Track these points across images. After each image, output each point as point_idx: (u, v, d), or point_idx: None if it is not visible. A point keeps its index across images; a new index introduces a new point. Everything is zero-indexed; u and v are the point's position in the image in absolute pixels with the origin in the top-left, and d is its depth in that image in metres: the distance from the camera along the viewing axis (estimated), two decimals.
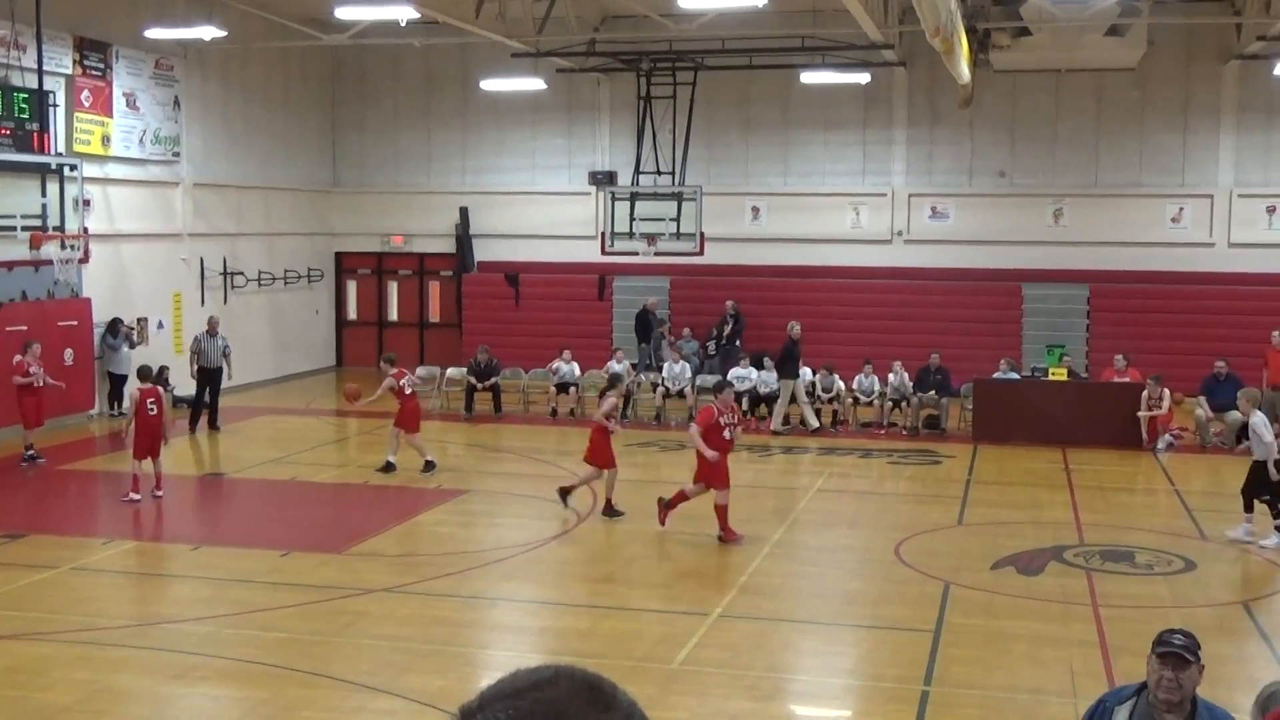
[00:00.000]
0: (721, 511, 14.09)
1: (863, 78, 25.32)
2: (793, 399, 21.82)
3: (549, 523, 15.12)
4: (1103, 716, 5.29)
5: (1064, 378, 21.27)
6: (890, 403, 22.22)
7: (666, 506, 14.40)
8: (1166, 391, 20.69)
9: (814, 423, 21.77)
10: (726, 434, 14.16)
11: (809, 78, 25.32)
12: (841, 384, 22.43)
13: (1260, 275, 25.35)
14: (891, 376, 22.17)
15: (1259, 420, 14.53)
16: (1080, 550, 13.99)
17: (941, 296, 26.36)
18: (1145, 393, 20.48)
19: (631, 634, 11.09)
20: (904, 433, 21.72)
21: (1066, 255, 26.18)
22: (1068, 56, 23.80)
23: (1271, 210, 25.58)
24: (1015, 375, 22.01)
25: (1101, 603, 12.08)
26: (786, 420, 21.85)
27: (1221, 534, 14.65)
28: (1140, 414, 20.38)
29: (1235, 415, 20.61)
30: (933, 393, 21.83)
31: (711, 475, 14.05)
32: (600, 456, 15.15)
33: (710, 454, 13.89)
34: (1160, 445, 20.37)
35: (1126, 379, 21.17)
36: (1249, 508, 14.39)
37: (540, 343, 25.70)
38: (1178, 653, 5.11)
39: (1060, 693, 9.67)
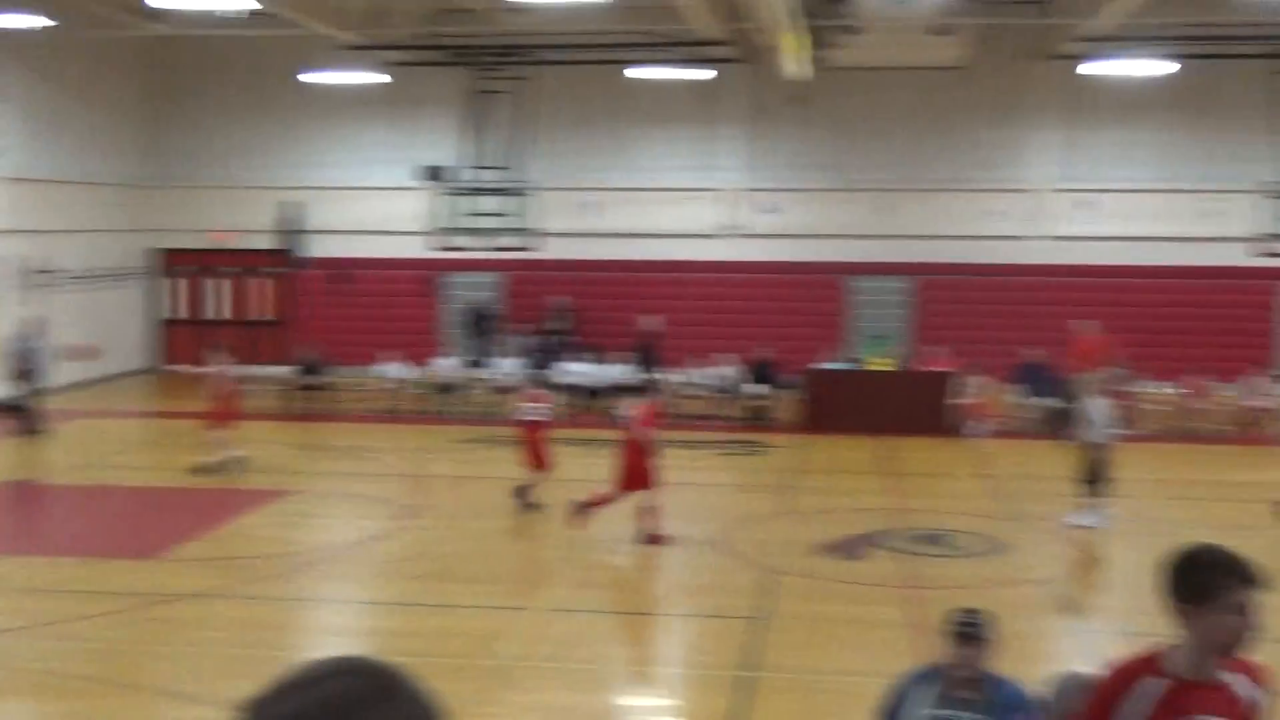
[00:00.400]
0: (653, 514, 13.94)
1: (700, 74, 25.53)
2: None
3: (373, 522, 14.94)
4: (902, 695, 5.44)
5: (888, 367, 21.80)
6: (721, 394, 22.51)
7: (584, 508, 14.07)
8: (983, 379, 21.39)
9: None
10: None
11: (646, 74, 25.43)
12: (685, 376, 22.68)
13: (1072, 267, 26.34)
14: (724, 369, 22.46)
15: (1095, 405, 15.10)
16: (900, 535, 14.35)
17: (773, 290, 26.78)
18: (964, 381, 21.16)
19: (453, 631, 11.01)
20: (733, 424, 22.01)
21: (893, 248, 26.82)
22: (897, 55, 24.34)
23: (1084, 204, 26.57)
24: (843, 365, 22.49)
25: (920, 585, 12.42)
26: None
27: (1056, 517, 15.13)
28: (959, 401, 21.04)
29: (1047, 402, 21.44)
30: (762, 384, 22.17)
31: (643, 477, 13.86)
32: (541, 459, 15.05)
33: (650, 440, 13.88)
34: (977, 431, 21.03)
35: (945, 368, 21.82)
36: (1085, 493, 14.93)
37: (370, 340, 25.35)
38: (969, 633, 5.28)
39: (883, 674, 9.84)
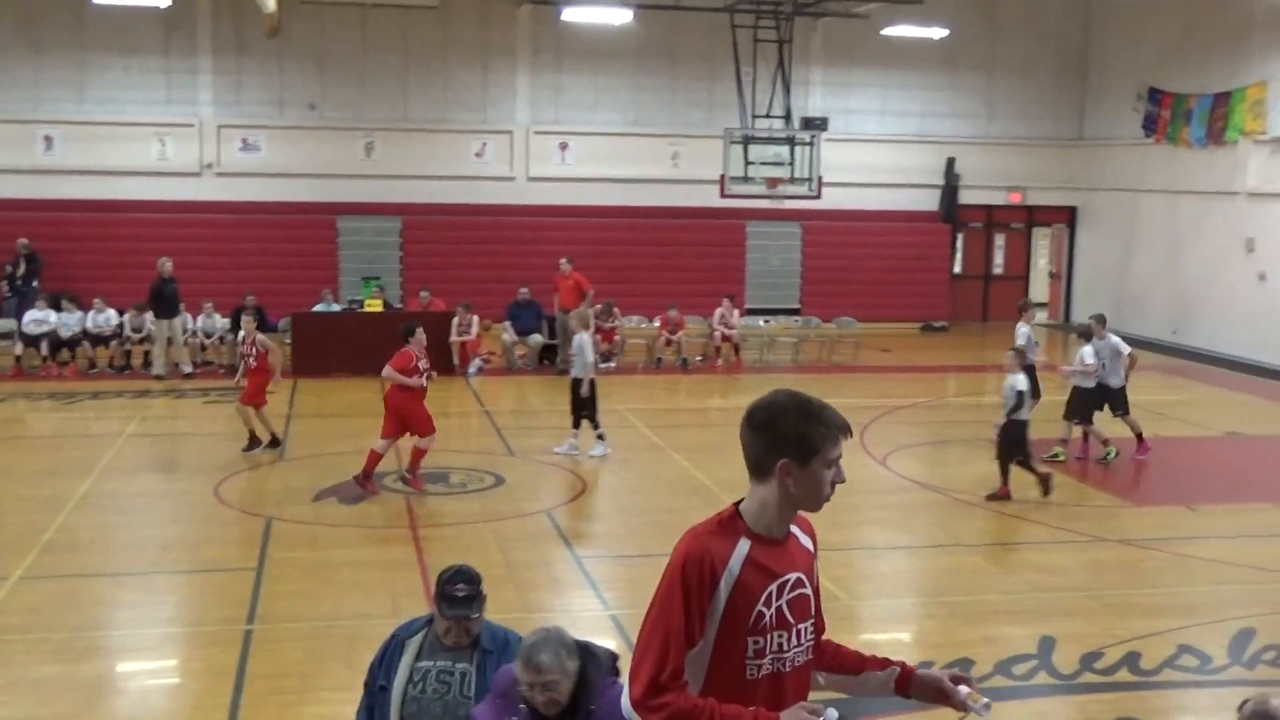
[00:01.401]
0: (420, 455, 13.72)
1: (162, 1, 23.95)
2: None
3: None
4: (395, 650, 5.33)
5: (380, 309, 21.60)
6: (207, 340, 21.50)
7: (366, 477, 13.56)
8: (475, 318, 21.71)
9: (187, 368, 20.70)
10: (425, 379, 13.81)
11: None
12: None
13: (556, 207, 27.20)
14: (203, 318, 21.45)
15: (583, 340, 15.55)
16: (399, 474, 14.27)
17: (256, 230, 25.78)
18: (456, 320, 21.35)
19: None
20: (221, 371, 21.09)
21: (379, 188, 26.55)
22: None
23: (564, 147, 27.44)
24: (336, 308, 22.06)
25: (420, 524, 12.42)
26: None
27: (550, 450, 15.55)
28: (452, 340, 21.22)
29: (537, 338, 22.09)
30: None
31: (417, 420, 13.69)
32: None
33: (416, 383, 13.62)
34: (471, 370, 21.35)
35: (437, 309, 21.94)
36: (576, 424, 15.45)
37: None
38: (455, 593, 5.21)
39: (384, 615, 9.75)
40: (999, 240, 30.65)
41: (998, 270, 30.69)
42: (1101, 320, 15.95)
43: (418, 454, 13.78)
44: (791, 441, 3.59)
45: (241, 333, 15.64)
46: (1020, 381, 13.56)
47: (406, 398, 13.71)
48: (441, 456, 15.25)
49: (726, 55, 25.36)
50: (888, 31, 26.38)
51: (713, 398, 20.31)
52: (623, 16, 25.22)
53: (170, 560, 11.31)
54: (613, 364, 22.44)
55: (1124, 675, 8.89)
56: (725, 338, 23.33)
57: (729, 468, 15.09)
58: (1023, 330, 16.32)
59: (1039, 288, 31.14)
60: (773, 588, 3.61)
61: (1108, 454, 15.58)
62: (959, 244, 29.90)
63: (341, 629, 9.57)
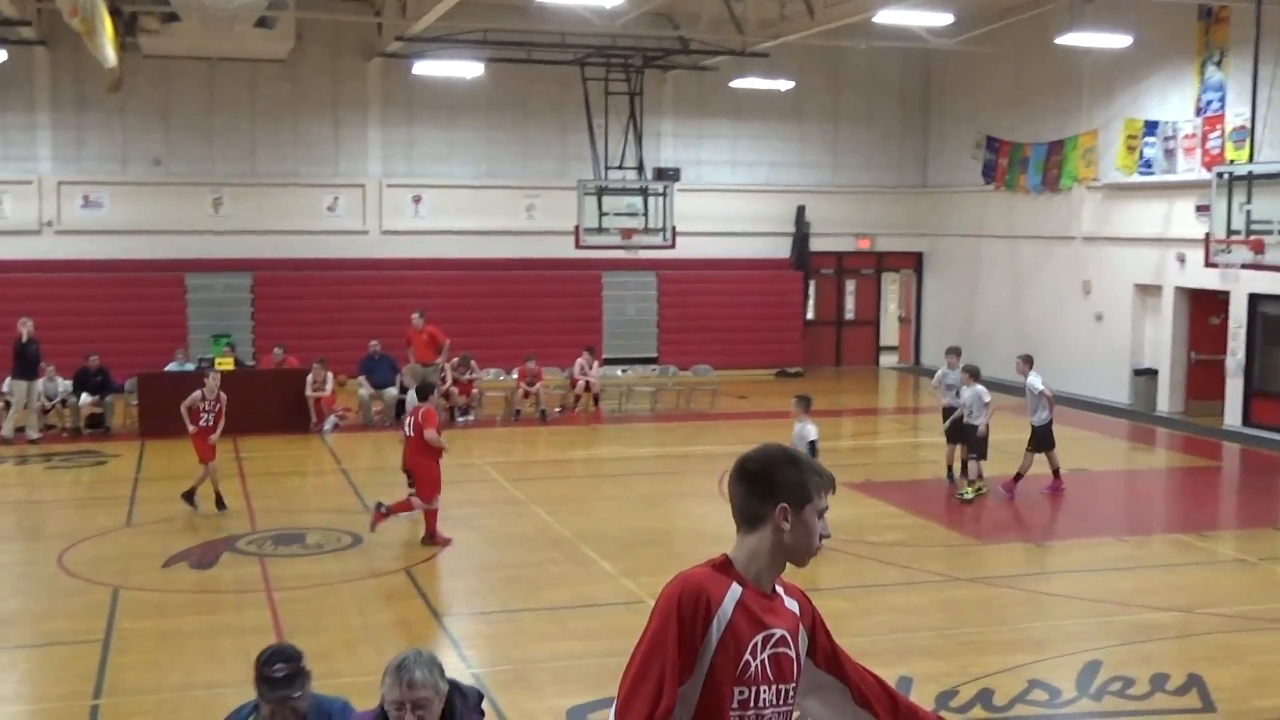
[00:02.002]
0: (408, 509, 13.84)
1: None
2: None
3: None
4: None
5: (231, 367, 21.15)
6: (54, 405, 20.80)
7: (387, 512, 13.73)
8: (330, 374, 21.41)
9: (35, 433, 19.99)
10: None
11: None
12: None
13: (410, 260, 27.03)
14: (44, 381, 20.77)
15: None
16: (253, 537, 13.96)
17: (101, 289, 25.12)
18: (310, 376, 21.04)
19: None
20: (65, 435, 20.44)
21: (228, 244, 26.10)
22: (218, 45, 23.64)
23: (417, 199, 27.32)
24: (190, 367, 21.55)
25: (275, 587, 12.14)
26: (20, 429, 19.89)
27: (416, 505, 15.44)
28: (308, 395, 20.90)
29: (392, 393, 21.85)
30: (96, 393, 20.74)
31: (432, 481, 13.68)
32: None
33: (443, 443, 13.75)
34: (326, 427, 21.02)
35: (291, 365, 21.59)
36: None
37: None
38: (276, 675, 5.09)
39: (237, 684, 9.45)
40: (850, 286, 31.31)
41: (849, 315, 31.34)
42: (974, 372, 16.28)
43: (407, 507, 13.79)
44: (787, 487, 3.62)
45: (207, 388, 15.24)
46: None
47: (430, 457, 13.68)
48: (297, 517, 15.00)
49: (579, 107, 25.60)
50: (736, 83, 26.87)
51: (572, 449, 20.29)
52: (474, 70, 25.28)
53: (11, 635, 10.88)
54: (471, 417, 22.30)
55: (978, 712, 9.07)
56: (585, 388, 23.37)
57: (589, 518, 15.11)
58: (958, 384, 16.55)
59: (889, 332, 31.88)
60: (759, 638, 3.60)
61: (964, 494, 16.00)
62: (811, 290, 30.47)
63: (193, 700, 9.30)
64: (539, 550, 13.57)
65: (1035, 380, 16.30)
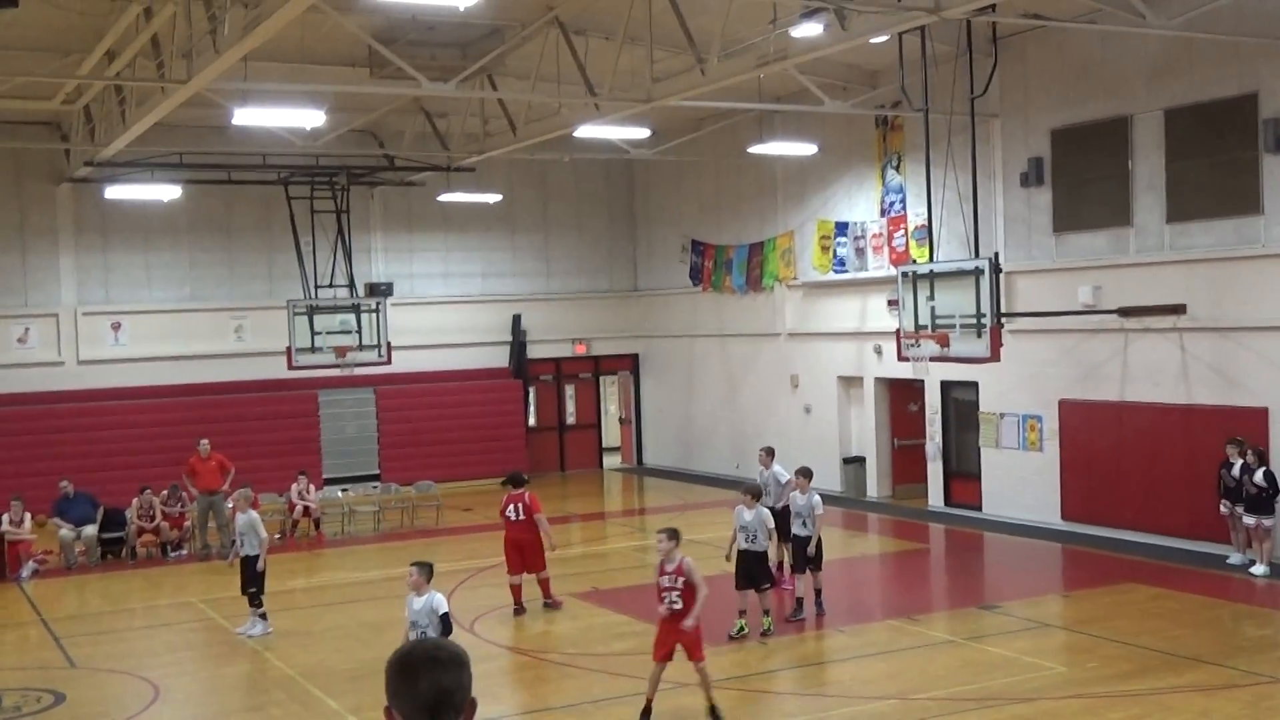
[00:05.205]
0: (548, 582, 16.14)
1: None
2: None
3: None
4: None
5: None
6: None
7: (555, 602, 16.03)
8: (29, 515, 20.13)
9: None
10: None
11: None
12: None
13: (112, 390, 25.83)
14: None
15: (253, 516, 15.33)
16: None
17: None
18: (7, 517, 19.73)
19: None
20: None
21: None
22: None
23: (117, 327, 26.19)
24: None
25: None
26: None
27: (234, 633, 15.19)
28: (4, 534, 19.59)
29: (90, 530, 20.62)
30: None
31: (538, 556, 15.94)
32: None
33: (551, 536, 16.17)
34: (25, 573, 19.68)
35: None
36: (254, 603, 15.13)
37: None
38: None
39: None
40: (570, 390, 31.64)
41: (570, 420, 31.62)
42: (756, 492, 14.86)
43: (545, 583, 16.11)
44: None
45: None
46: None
47: (535, 534, 15.83)
48: None
49: (284, 226, 25.22)
50: (444, 197, 26.99)
51: (294, 578, 19.55)
52: (170, 193, 24.59)
53: None
54: (184, 551, 21.31)
55: None
56: (304, 512, 22.69)
57: (312, 654, 14.60)
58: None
59: (611, 433, 32.31)
60: None
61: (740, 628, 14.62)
62: (531, 397, 30.63)
63: None
64: (260, 693, 13.01)
65: (780, 471, 16.68)
